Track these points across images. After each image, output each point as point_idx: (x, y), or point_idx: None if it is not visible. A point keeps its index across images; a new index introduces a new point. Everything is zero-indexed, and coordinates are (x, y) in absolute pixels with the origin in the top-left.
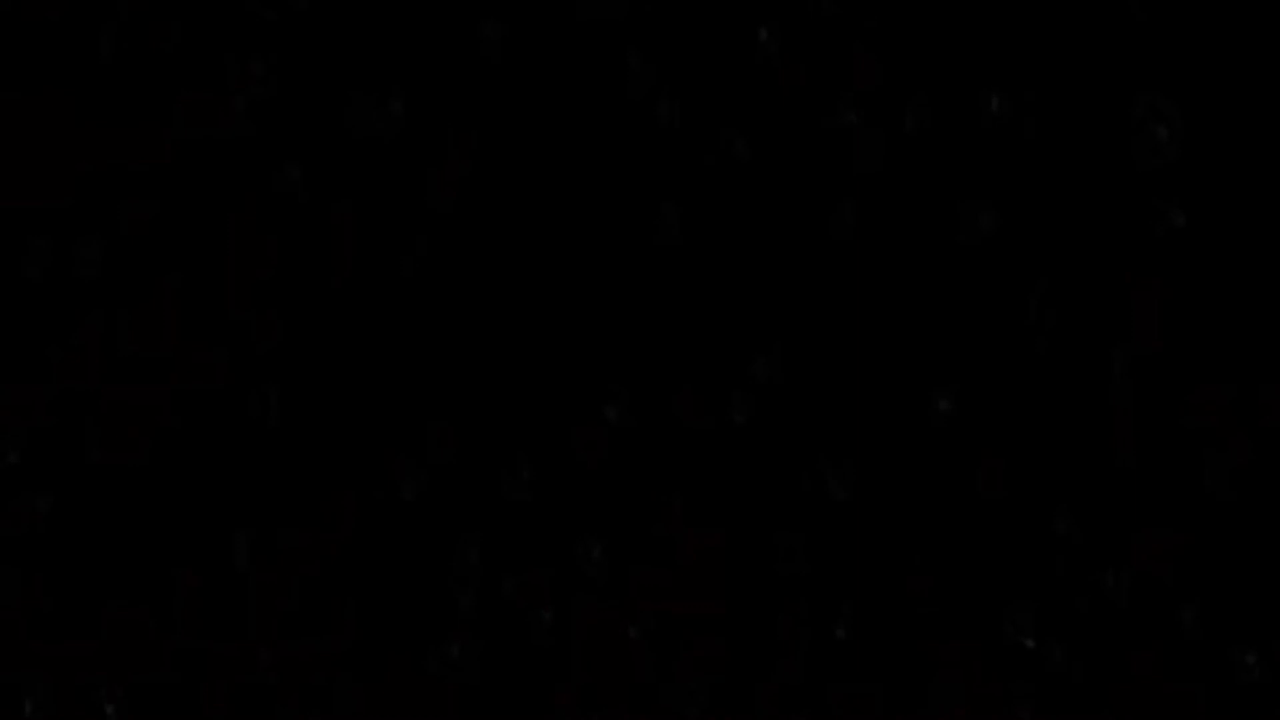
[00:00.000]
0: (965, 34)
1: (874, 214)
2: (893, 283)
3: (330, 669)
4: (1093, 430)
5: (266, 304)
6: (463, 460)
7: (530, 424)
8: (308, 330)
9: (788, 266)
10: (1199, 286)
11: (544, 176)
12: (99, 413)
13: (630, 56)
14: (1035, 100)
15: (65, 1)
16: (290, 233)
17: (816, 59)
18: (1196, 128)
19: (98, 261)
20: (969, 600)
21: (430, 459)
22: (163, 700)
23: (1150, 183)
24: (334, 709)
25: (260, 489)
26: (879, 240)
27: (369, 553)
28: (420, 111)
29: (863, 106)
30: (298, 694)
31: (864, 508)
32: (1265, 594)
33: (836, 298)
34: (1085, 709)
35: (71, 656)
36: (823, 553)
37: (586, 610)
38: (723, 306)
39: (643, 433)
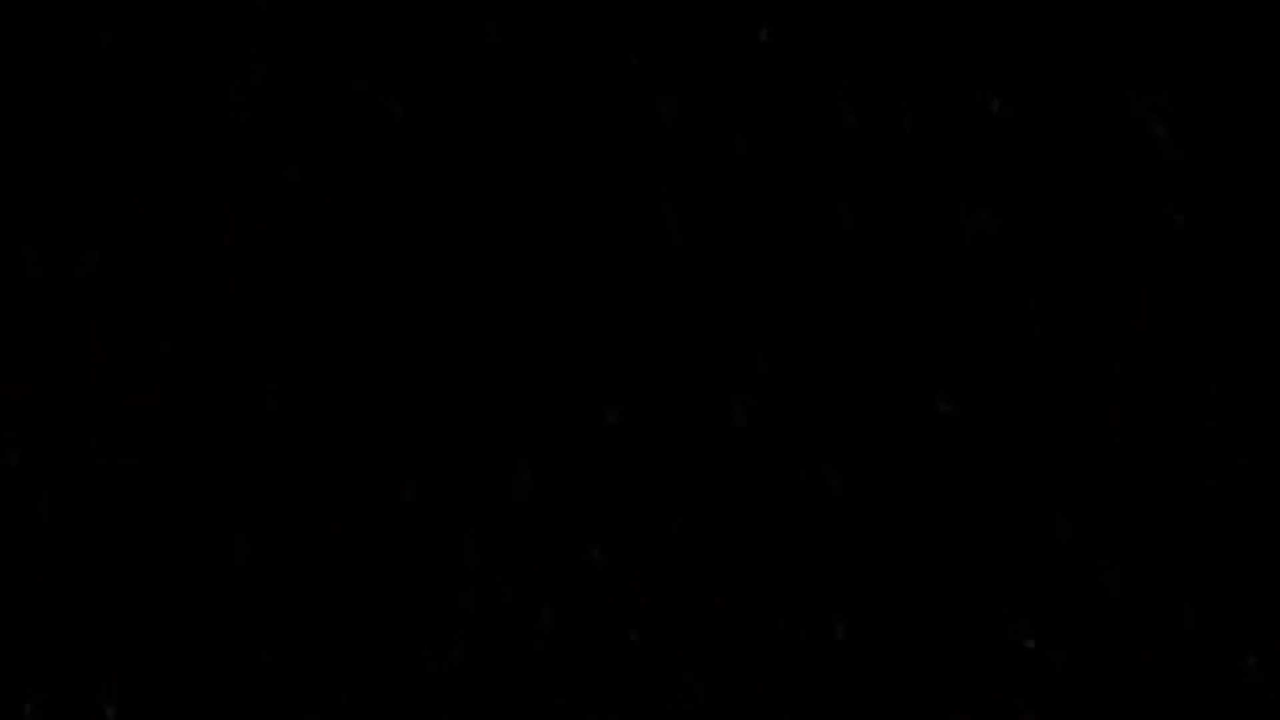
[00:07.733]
0: (963, 33)
1: (873, 212)
2: (891, 281)
3: (329, 670)
4: (1092, 430)
5: (265, 297)
6: (462, 460)
7: (530, 424)
8: (307, 324)
9: (787, 264)
10: (1197, 285)
11: (542, 171)
12: (98, 409)
13: (629, 52)
14: (1033, 98)
15: None
16: (289, 225)
17: (815, 57)
18: (1195, 126)
19: (96, 254)
20: (969, 600)
21: (430, 458)
22: (163, 702)
23: (1148, 181)
24: (333, 710)
25: (259, 487)
26: (878, 238)
27: (368, 553)
28: (419, 104)
29: (861, 105)
30: (297, 694)
31: (864, 506)
32: (1265, 596)
33: (835, 295)
34: (1085, 710)
35: (71, 658)
36: (822, 551)
37: (586, 611)
38: (722, 304)
39: (642, 433)
